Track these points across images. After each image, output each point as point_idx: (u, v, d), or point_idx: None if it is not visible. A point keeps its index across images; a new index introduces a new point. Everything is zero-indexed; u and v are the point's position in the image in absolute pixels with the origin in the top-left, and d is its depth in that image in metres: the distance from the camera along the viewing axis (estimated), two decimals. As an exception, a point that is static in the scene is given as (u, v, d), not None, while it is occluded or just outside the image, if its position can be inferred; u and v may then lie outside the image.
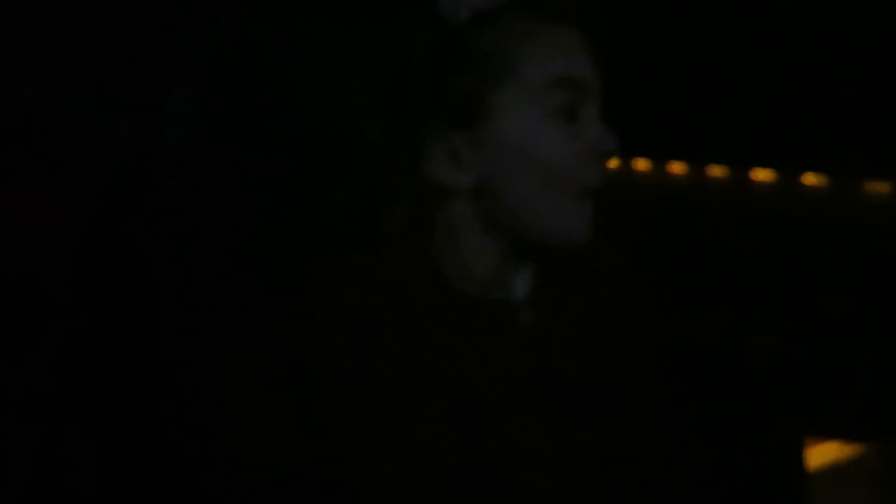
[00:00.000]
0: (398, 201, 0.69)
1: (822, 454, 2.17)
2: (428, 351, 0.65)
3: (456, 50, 0.68)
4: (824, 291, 2.04)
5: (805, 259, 2.02)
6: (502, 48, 0.68)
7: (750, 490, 0.93)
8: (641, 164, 1.96)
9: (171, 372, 0.71)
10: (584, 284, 0.73)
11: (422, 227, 0.70)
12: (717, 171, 2.00)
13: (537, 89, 0.68)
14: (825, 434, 2.14)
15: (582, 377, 0.70)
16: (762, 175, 1.98)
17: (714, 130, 1.91)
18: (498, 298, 0.70)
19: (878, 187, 1.87)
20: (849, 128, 1.78)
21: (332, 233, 0.69)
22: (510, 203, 0.69)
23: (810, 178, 1.94)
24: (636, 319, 0.76)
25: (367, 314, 0.65)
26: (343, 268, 0.68)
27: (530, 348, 0.69)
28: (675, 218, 1.93)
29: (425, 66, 0.68)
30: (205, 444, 0.67)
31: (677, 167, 1.99)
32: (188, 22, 0.82)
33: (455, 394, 0.65)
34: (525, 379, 0.68)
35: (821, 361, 2.38)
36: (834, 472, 2.21)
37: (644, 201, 1.91)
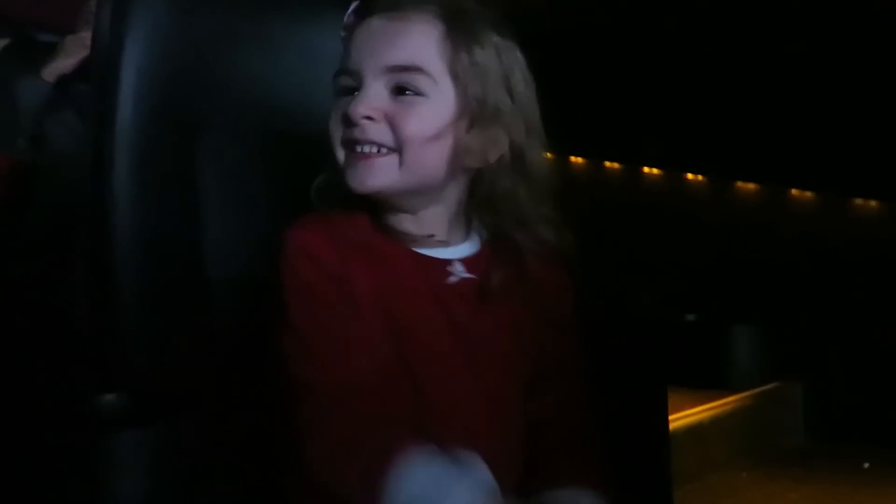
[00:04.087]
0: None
1: (683, 414, 2.35)
2: (370, 279, 0.86)
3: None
4: (702, 263, 2.34)
5: (685, 238, 2.33)
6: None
7: (613, 438, 0.97)
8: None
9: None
10: (518, 258, 0.89)
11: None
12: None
13: (334, 80, 0.88)
14: (688, 384, 2.39)
15: (497, 319, 0.89)
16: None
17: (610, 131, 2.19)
18: (435, 256, 0.87)
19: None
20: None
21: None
22: None
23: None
24: (551, 288, 0.93)
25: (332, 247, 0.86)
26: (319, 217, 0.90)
27: (455, 294, 0.86)
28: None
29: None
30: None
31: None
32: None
33: (385, 315, 0.83)
34: (449, 315, 0.85)
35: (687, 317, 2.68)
36: (694, 431, 2.36)
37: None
